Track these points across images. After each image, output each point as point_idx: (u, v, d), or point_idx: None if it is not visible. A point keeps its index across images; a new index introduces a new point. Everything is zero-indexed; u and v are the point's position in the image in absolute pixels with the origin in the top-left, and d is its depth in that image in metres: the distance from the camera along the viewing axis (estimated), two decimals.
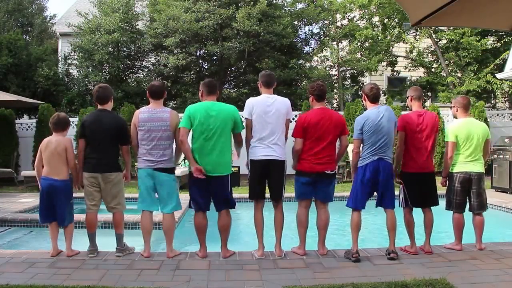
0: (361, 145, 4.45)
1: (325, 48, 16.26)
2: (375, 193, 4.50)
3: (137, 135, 4.44)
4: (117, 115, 4.69)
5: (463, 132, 4.61)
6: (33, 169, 4.67)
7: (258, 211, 4.47)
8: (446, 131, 4.69)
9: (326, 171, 4.40)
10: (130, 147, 4.63)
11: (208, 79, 4.57)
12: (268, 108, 4.36)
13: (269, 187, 4.49)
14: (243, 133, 4.49)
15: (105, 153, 4.45)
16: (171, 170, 4.47)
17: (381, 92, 5.35)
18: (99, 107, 4.60)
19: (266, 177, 4.44)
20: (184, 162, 9.61)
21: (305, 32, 16.93)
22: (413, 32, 15.73)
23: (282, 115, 4.40)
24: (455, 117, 4.89)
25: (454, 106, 4.84)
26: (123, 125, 4.60)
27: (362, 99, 4.66)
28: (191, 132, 4.33)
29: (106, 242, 4.75)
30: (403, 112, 11.35)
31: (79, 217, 5.30)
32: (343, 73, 16.69)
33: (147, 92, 4.58)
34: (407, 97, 4.87)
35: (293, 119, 8.98)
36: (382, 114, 4.34)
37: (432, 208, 4.64)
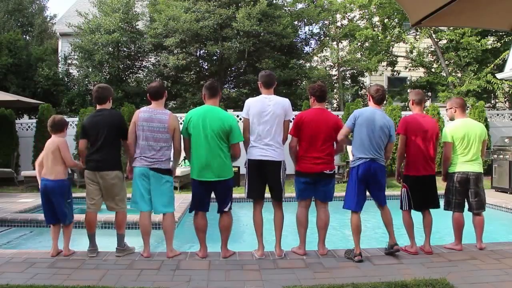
0: (353, 146, 4.45)
1: (325, 48, 16.27)
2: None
3: (135, 134, 4.43)
4: (114, 111, 4.69)
5: (459, 133, 4.63)
6: (33, 169, 4.68)
7: (257, 211, 4.48)
8: (443, 132, 4.71)
9: (325, 171, 4.42)
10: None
11: (209, 82, 4.58)
12: (264, 109, 4.37)
13: (269, 187, 4.50)
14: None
15: (103, 152, 4.44)
16: (166, 171, 4.45)
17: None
18: (98, 107, 4.61)
19: (264, 177, 4.44)
20: (184, 162, 9.62)
21: (305, 32, 16.97)
22: (413, 32, 15.72)
23: (278, 116, 4.39)
24: (451, 118, 4.88)
25: (451, 108, 4.83)
26: (121, 119, 4.60)
27: (367, 99, 4.64)
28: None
29: (106, 242, 4.75)
30: (403, 113, 11.40)
31: (79, 217, 5.30)
32: (343, 73, 16.69)
33: (147, 94, 4.58)
34: (409, 101, 4.89)
35: (293, 119, 8.96)
36: (377, 114, 4.36)
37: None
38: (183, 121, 4.47)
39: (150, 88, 4.55)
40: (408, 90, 16.43)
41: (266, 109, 4.37)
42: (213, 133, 4.25)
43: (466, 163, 4.62)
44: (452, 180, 4.66)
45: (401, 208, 4.64)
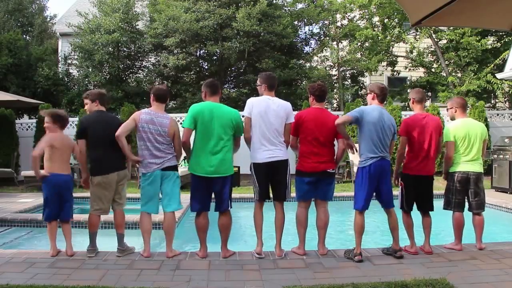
0: (358, 144, 4.46)
1: (325, 48, 16.28)
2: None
3: (128, 130, 4.40)
4: (114, 115, 4.79)
5: (461, 133, 4.64)
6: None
7: (258, 209, 4.48)
8: (445, 132, 4.71)
9: (328, 170, 4.43)
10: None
11: (209, 80, 4.60)
12: (268, 109, 4.38)
13: (272, 187, 4.49)
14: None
15: (116, 152, 4.44)
16: (175, 168, 4.52)
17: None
18: (99, 107, 4.62)
19: (270, 178, 4.45)
20: (184, 162, 9.62)
21: (305, 32, 16.99)
22: (413, 32, 15.73)
23: (281, 118, 4.41)
24: (452, 118, 4.89)
25: (451, 107, 4.85)
26: (120, 121, 4.67)
27: (371, 98, 4.52)
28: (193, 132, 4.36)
29: (106, 242, 4.75)
30: (403, 112, 11.41)
31: (79, 217, 5.31)
32: (343, 73, 16.70)
33: (152, 95, 4.55)
34: (409, 99, 4.89)
35: None
36: (384, 114, 4.38)
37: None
38: (182, 121, 4.46)
39: (159, 90, 4.55)
40: (408, 90, 16.44)
41: (269, 110, 4.38)
42: (219, 129, 4.26)
43: (467, 162, 4.63)
44: (453, 180, 4.67)
45: (399, 207, 4.64)
